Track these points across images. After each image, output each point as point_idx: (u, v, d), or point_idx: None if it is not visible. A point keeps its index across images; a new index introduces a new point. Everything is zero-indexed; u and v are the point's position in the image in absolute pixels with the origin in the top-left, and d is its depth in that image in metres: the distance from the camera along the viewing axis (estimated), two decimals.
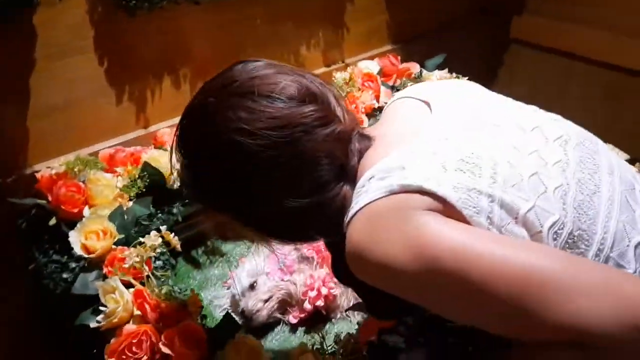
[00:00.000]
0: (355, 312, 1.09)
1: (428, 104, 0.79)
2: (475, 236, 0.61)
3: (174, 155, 0.78)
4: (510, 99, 0.82)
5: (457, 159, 0.67)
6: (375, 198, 0.66)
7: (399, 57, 1.64)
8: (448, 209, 0.62)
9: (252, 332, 1.04)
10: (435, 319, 0.72)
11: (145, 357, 0.82)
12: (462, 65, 1.80)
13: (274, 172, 0.71)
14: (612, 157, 0.76)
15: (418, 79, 1.59)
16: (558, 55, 1.91)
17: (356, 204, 0.68)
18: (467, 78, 1.41)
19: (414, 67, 1.63)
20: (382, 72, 1.60)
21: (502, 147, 0.69)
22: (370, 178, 0.68)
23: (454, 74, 1.56)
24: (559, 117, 0.80)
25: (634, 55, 1.71)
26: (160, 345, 0.82)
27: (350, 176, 0.74)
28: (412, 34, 1.82)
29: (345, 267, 0.69)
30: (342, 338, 0.89)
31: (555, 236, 0.64)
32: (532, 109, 0.81)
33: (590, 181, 0.69)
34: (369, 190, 0.67)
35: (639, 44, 1.69)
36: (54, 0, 0.99)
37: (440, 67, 1.64)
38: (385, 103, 0.82)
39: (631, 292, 0.55)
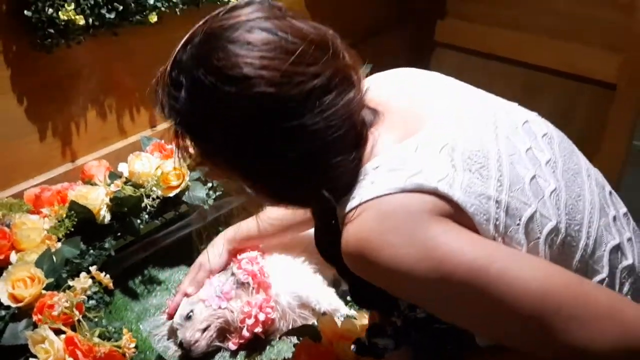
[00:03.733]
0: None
1: (421, 90, 0.76)
2: (492, 250, 0.61)
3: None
4: (491, 93, 0.80)
5: (465, 156, 0.65)
6: (385, 193, 0.63)
7: None
8: (459, 214, 0.62)
9: None
10: (422, 320, 0.74)
11: None
12: (390, 68, 1.86)
13: (289, 121, 0.63)
14: (585, 158, 0.78)
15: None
16: (480, 56, 2.00)
17: (361, 193, 0.64)
18: None
19: None
20: None
21: (503, 143, 0.68)
22: (378, 167, 0.66)
23: None
24: (536, 113, 0.80)
25: (548, 54, 1.81)
26: None
27: (362, 149, 0.69)
28: None
29: (330, 243, 0.68)
30: None
31: (550, 243, 0.65)
32: (515, 104, 0.80)
33: (574, 184, 0.70)
34: (376, 181, 0.64)
35: (551, 43, 1.79)
36: None
37: (366, 76, 1.69)
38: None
39: (632, 317, 0.59)
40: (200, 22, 0.67)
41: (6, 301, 0.95)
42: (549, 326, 0.58)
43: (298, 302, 1.14)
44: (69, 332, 0.91)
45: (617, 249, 0.69)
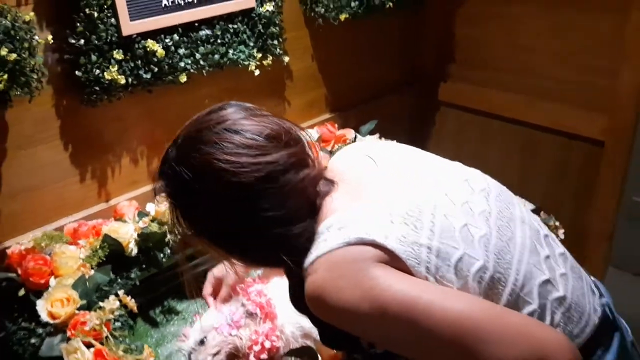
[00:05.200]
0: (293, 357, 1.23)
1: (374, 160, 0.90)
2: (420, 288, 0.73)
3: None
4: (438, 157, 0.94)
5: (403, 212, 0.79)
6: (334, 247, 0.76)
7: (336, 125, 1.84)
8: (394, 260, 0.75)
9: None
10: (380, 355, 0.83)
11: None
12: (395, 126, 2.03)
13: (252, 202, 0.79)
14: (522, 207, 0.90)
15: (353, 143, 1.79)
16: (480, 114, 2.16)
17: (316, 250, 0.77)
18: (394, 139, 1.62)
19: (349, 133, 1.83)
20: (320, 139, 1.79)
21: (439, 200, 0.82)
22: (330, 227, 0.79)
23: (383, 138, 1.77)
24: (479, 171, 0.93)
25: (541, 114, 1.96)
26: None
27: (316, 215, 0.83)
28: (348, 103, 2.03)
29: (300, 296, 0.79)
30: None
31: (479, 280, 0.76)
32: (459, 164, 0.94)
33: (507, 229, 0.82)
34: (328, 239, 0.77)
35: (543, 104, 1.94)
36: (24, 100, 1.15)
37: (372, 132, 1.85)
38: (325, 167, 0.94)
39: (539, 336, 0.71)
40: (187, 123, 0.86)
41: (45, 318, 1.09)
42: (469, 347, 0.70)
43: (301, 332, 1.25)
44: (98, 346, 1.04)
45: (547, 282, 0.79)
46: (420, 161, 0.93)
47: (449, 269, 0.76)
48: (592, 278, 0.94)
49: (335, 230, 0.78)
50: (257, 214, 0.80)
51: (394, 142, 1.69)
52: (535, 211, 1.50)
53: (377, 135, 1.82)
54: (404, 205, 0.80)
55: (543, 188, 2.04)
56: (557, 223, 1.49)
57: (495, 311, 0.74)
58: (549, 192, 2.03)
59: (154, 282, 1.39)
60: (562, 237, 1.49)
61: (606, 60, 1.75)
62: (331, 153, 1.79)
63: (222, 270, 1.23)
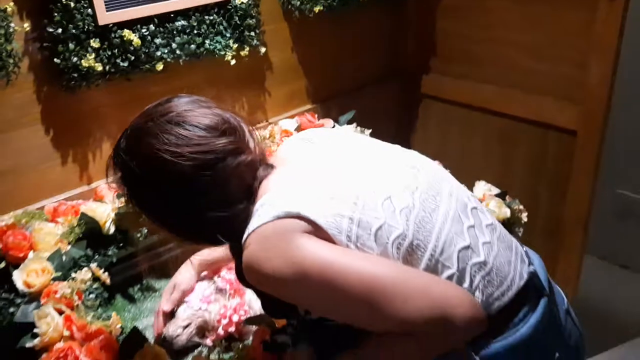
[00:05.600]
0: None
1: (310, 143, 1.00)
2: (337, 253, 0.81)
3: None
4: (379, 141, 1.03)
5: (330, 188, 0.87)
6: (265, 222, 0.84)
7: (316, 115, 1.91)
8: (318, 230, 0.83)
9: (175, 354, 1.24)
10: (316, 320, 0.92)
11: None
12: (378, 119, 2.08)
13: (193, 188, 0.89)
14: (454, 184, 0.98)
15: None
16: (461, 106, 2.21)
17: (251, 225, 0.86)
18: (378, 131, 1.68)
19: (328, 123, 1.89)
20: (299, 128, 1.85)
21: (368, 177, 0.90)
22: (263, 204, 0.87)
23: (359, 128, 1.83)
24: (416, 152, 1.01)
25: (518, 105, 2.01)
26: (81, 357, 1.02)
27: (253, 197, 0.92)
28: (330, 94, 2.09)
29: (242, 271, 0.87)
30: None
31: (398, 246, 0.84)
32: (398, 147, 1.02)
33: (432, 202, 0.90)
34: (261, 215, 0.85)
35: (520, 95, 2.00)
36: (1, 84, 1.23)
37: (350, 122, 1.91)
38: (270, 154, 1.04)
39: (438, 294, 0.79)
40: (138, 115, 0.95)
41: (21, 286, 1.16)
42: (378, 305, 0.77)
43: None
44: (68, 312, 1.12)
45: (467, 248, 0.87)
46: (355, 143, 1.01)
47: (369, 237, 0.83)
48: (526, 248, 1.00)
49: (267, 206, 0.86)
50: (195, 199, 0.90)
51: (336, 128, 1.78)
52: (501, 195, 1.55)
53: (355, 124, 1.87)
54: (332, 182, 0.89)
55: (521, 177, 2.09)
56: (521, 207, 1.54)
57: (402, 273, 0.81)
58: (527, 181, 2.09)
59: (133, 263, 1.47)
60: (525, 219, 1.54)
61: (576, 52, 1.80)
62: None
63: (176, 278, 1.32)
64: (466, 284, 0.85)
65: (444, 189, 0.93)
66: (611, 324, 2.35)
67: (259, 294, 1.00)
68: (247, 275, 0.86)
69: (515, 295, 0.88)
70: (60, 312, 1.12)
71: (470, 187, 1.57)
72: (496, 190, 1.59)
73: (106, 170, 0.96)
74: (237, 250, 0.92)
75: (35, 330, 1.08)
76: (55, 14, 1.29)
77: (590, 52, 1.76)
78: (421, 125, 2.40)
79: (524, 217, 1.53)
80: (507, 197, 1.58)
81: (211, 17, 1.58)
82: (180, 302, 1.31)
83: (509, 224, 1.52)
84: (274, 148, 1.68)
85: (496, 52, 2.03)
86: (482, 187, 1.59)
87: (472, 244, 0.88)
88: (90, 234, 1.34)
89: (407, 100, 2.38)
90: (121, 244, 1.41)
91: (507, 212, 1.49)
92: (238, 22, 1.63)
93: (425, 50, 2.27)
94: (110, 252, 1.38)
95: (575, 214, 1.96)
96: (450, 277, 0.84)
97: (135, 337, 1.07)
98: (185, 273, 1.32)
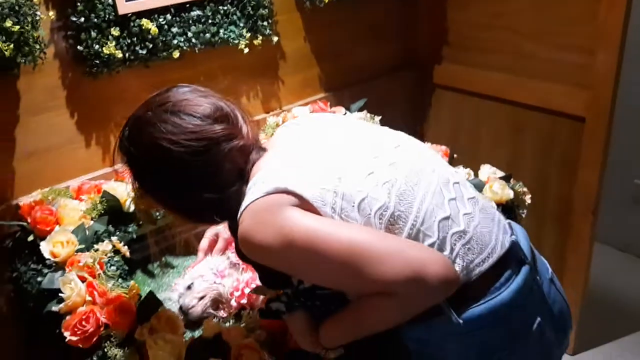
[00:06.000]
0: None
1: (300, 127, 1.08)
2: (321, 223, 0.88)
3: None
4: (369, 124, 1.10)
5: (318, 165, 0.95)
6: (256, 197, 0.91)
7: (329, 103, 1.97)
8: (304, 203, 0.90)
9: (191, 324, 1.32)
10: (308, 290, 1.00)
11: (92, 329, 1.11)
12: (390, 107, 2.14)
13: (189, 172, 0.96)
14: (438, 162, 1.04)
15: None
16: (472, 95, 2.25)
17: (244, 202, 0.93)
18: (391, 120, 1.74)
19: (340, 110, 1.95)
20: None
21: (353, 155, 0.97)
22: (255, 183, 0.94)
23: (369, 115, 1.88)
24: (403, 133, 1.08)
25: (527, 92, 2.05)
26: (102, 318, 1.11)
27: (246, 179, 0.98)
28: (343, 83, 2.15)
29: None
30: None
31: (380, 216, 0.90)
32: (387, 128, 1.10)
33: (415, 177, 0.95)
34: (253, 192, 0.92)
35: (529, 82, 2.03)
36: (29, 69, 1.33)
37: (361, 109, 1.97)
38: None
39: (413, 255, 0.85)
40: (141, 104, 1.04)
41: (47, 255, 1.25)
42: (358, 268, 0.84)
43: None
44: (90, 279, 1.20)
45: (447, 219, 0.92)
46: (341, 124, 1.09)
47: (353, 209, 0.90)
48: (509, 221, 1.06)
49: (259, 184, 0.93)
50: (192, 182, 0.98)
51: (326, 113, 1.83)
52: (505, 178, 1.59)
53: (366, 112, 1.93)
54: (318, 160, 0.96)
55: (531, 164, 2.12)
56: (525, 189, 1.58)
57: (380, 238, 0.88)
58: (537, 168, 2.12)
59: (154, 241, 1.55)
60: (529, 201, 1.57)
61: (583, 39, 1.82)
62: None
63: (219, 227, 1.40)
64: (447, 252, 0.90)
65: (427, 166, 0.99)
66: (624, 313, 2.37)
67: (256, 267, 1.07)
68: (242, 248, 0.93)
69: (496, 262, 0.93)
70: (83, 280, 1.20)
71: (477, 174, 1.62)
72: (501, 174, 1.63)
73: (112, 155, 1.06)
74: (234, 228, 0.99)
75: (60, 295, 1.17)
76: (79, 4, 1.39)
77: (597, 39, 1.78)
78: (433, 114, 2.45)
79: (528, 199, 1.57)
80: (512, 180, 1.62)
81: (225, 7, 1.65)
82: (223, 251, 1.41)
83: (513, 205, 1.55)
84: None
85: (506, 41, 2.07)
86: (487, 170, 1.62)
87: (452, 215, 0.93)
88: (111, 211, 1.43)
89: (419, 89, 2.42)
90: (140, 222, 1.50)
91: (510, 194, 1.52)
92: (251, 12, 1.71)
93: (436, 39, 2.32)
94: (130, 229, 1.47)
95: (585, 201, 1.98)
96: (431, 245, 0.90)
97: (151, 301, 1.14)
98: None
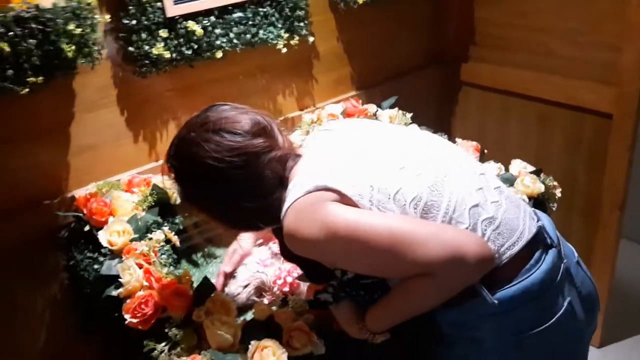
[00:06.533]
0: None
1: (333, 132, 1.16)
2: (361, 214, 0.95)
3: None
4: (398, 126, 1.18)
5: (352, 165, 1.02)
6: (298, 196, 0.98)
7: (361, 100, 2.03)
8: (344, 198, 0.97)
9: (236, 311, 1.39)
10: (352, 280, 1.07)
11: (150, 311, 1.19)
12: (420, 105, 2.19)
13: (233, 185, 1.04)
14: (465, 157, 1.11)
15: (375, 116, 1.98)
16: (498, 92, 2.30)
17: (287, 202, 1.00)
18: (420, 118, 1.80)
19: (372, 107, 2.01)
20: (344, 113, 1.98)
21: (386, 153, 1.05)
22: (295, 185, 1.02)
23: (400, 112, 1.94)
24: (431, 133, 1.17)
25: (554, 89, 2.09)
26: (160, 301, 1.19)
27: (285, 185, 1.05)
28: (373, 81, 2.22)
29: (287, 247, 1.03)
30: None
31: (415, 206, 0.97)
32: (414, 126, 1.18)
33: (444, 170, 1.03)
34: (294, 193, 1.00)
35: (556, 79, 2.07)
36: (89, 69, 1.42)
37: (392, 106, 2.03)
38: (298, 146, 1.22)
39: (450, 236, 0.92)
40: (184, 124, 1.12)
41: (105, 244, 1.33)
42: (401, 252, 0.91)
43: None
44: (146, 266, 1.28)
45: (476, 206, 0.99)
46: (371, 127, 1.17)
47: (389, 201, 0.97)
48: (534, 209, 1.12)
49: (298, 186, 1.00)
50: (235, 194, 1.05)
51: (365, 119, 1.89)
52: (536, 172, 1.64)
53: (397, 109, 1.99)
54: (353, 159, 1.03)
55: (559, 160, 2.16)
56: (555, 183, 1.63)
57: (417, 223, 0.95)
58: (564, 164, 2.15)
59: (198, 232, 1.63)
60: (559, 195, 1.62)
61: (610, 36, 1.86)
62: None
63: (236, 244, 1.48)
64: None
65: (454, 160, 1.07)
66: None
67: (301, 264, 1.15)
68: (288, 244, 1.00)
69: (524, 246, 1.00)
70: (140, 267, 1.28)
71: (507, 168, 1.67)
72: (531, 168, 1.68)
73: (161, 172, 1.14)
74: (278, 232, 1.06)
75: (119, 280, 1.25)
76: (130, 8, 1.47)
77: (624, 36, 1.82)
78: (461, 111, 2.50)
79: (558, 192, 1.62)
80: (542, 175, 1.66)
81: (264, 9, 1.72)
82: (239, 264, 1.47)
83: (543, 199, 1.60)
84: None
85: (532, 39, 2.11)
86: (518, 165, 1.67)
87: (481, 203, 1.00)
88: (161, 203, 1.51)
89: (447, 87, 2.48)
90: (186, 214, 1.57)
91: (541, 188, 1.57)
92: (289, 13, 1.78)
93: (464, 37, 2.37)
94: (177, 220, 1.55)
95: (612, 196, 2.02)
96: None
97: (206, 285, 1.22)
98: (244, 239, 1.48)
